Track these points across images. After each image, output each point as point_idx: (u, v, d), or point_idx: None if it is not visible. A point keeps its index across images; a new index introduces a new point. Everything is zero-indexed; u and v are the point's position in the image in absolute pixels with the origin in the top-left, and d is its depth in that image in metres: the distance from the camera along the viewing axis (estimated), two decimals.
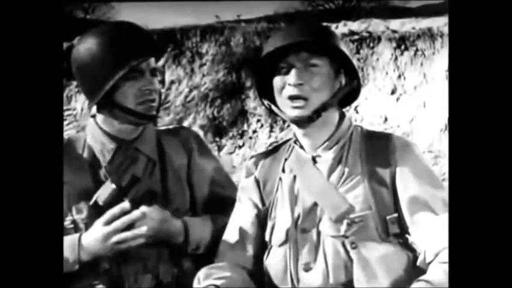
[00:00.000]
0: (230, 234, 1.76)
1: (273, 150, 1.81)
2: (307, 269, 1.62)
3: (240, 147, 8.44)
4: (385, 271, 1.57)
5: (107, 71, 1.75)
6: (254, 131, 8.52)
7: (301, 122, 1.67)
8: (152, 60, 1.83)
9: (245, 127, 8.58)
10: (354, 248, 1.59)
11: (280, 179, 1.73)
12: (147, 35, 1.84)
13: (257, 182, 1.77)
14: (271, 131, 8.40)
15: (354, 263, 1.58)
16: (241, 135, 8.54)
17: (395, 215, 1.61)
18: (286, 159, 1.75)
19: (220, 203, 1.86)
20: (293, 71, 1.65)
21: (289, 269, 1.63)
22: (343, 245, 1.60)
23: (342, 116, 1.74)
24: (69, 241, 1.75)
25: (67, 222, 1.80)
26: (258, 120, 8.53)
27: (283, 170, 1.74)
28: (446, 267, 1.48)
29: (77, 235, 1.76)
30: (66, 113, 8.54)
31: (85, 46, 1.79)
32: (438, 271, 1.51)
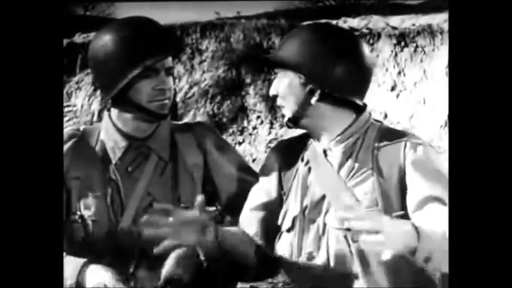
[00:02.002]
0: (246, 212, 1.79)
1: (300, 138, 1.81)
2: (310, 258, 1.64)
3: (240, 143, 8.43)
4: (383, 267, 1.57)
5: (121, 69, 1.75)
6: (254, 128, 8.51)
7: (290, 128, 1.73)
8: (169, 59, 1.81)
9: (245, 123, 8.57)
10: (355, 241, 1.60)
11: (297, 168, 1.74)
12: (164, 32, 1.82)
13: (279, 167, 1.78)
14: (271, 128, 8.40)
15: (354, 256, 1.59)
16: (241, 132, 8.54)
17: (401, 212, 1.61)
18: (306, 150, 1.76)
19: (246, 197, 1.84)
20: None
21: (294, 256, 1.66)
22: (346, 238, 1.61)
23: (362, 111, 1.73)
24: (72, 264, 1.72)
25: (75, 217, 1.80)
26: (258, 117, 8.53)
27: (302, 160, 1.75)
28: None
29: (82, 261, 1.74)
30: (66, 110, 8.53)
31: (101, 42, 1.78)
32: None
